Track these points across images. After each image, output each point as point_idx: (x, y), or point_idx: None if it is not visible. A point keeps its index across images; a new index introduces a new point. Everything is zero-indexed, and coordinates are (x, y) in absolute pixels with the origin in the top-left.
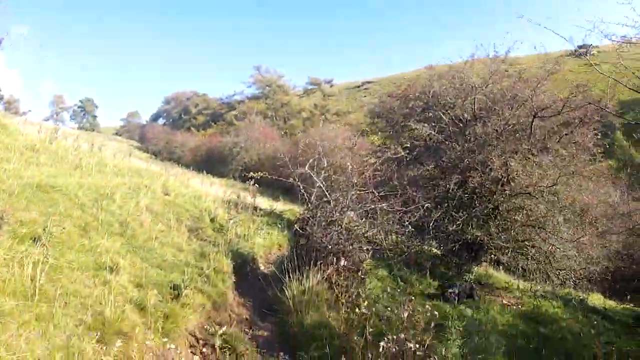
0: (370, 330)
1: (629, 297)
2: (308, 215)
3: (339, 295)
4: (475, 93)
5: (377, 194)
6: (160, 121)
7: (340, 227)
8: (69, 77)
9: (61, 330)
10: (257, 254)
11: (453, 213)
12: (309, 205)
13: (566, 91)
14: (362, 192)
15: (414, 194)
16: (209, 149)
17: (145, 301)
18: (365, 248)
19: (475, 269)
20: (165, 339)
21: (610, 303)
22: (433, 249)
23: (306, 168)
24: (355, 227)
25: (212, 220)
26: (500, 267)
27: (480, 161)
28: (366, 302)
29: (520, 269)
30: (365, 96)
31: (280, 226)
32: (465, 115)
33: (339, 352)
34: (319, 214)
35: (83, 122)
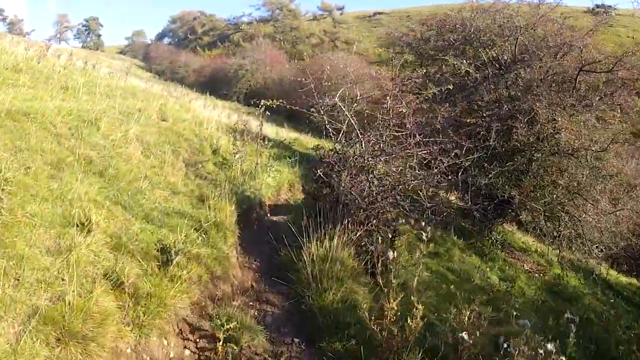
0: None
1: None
2: (334, 160)
3: (371, 265)
4: (518, 34)
5: (418, 138)
6: (166, 41)
7: (372, 176)
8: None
9: (8, 324)
10: (265, 196)
11: (485, 164)
12: (336, 146)
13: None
14: (400, 134)
15: (451, 139)
16: (214, 70)
17: (122, 275)
18: (402, 204)
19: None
20: (148, 331)
21: (622, 279)
22: (457, 201)
23: (336, 98)
24: (395, 177)
25: (214, 152)
26: (515, 224)
27: (525, 110)
28: (415, 284)
29: (541, 230)
30: (375, 27)
31: (290, 160)
32: (505, 57)
33: (371, 348)
34: (349, 159)
35: (87, 41)
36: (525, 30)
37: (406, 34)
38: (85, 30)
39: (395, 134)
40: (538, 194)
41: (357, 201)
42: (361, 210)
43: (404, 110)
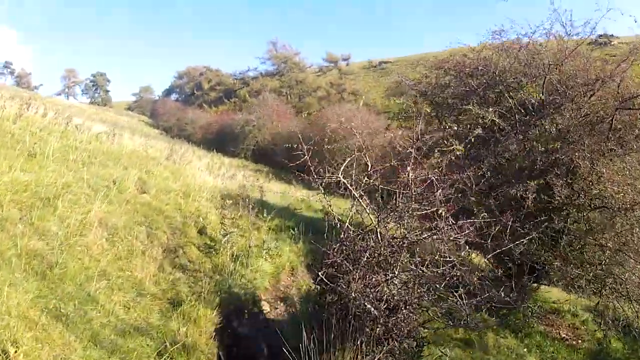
0: None
1: None
2: (340, 258)
3: None
4: (547, 72)
5: (449, 219)
6: (173, 96)
7: (393, 275)
8: (83, 52)
9: None
10: (261, 287)
11: (518, 228)
12: (342, 236)
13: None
14: (425, 211)
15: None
16: (221, 127)
17: None
18: (432, 308)
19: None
20: None
21: None
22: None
23: (340, 176)
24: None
25: (200, 232)
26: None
27: (563, 163)
28: None
29: (579, 289)
30: (382, 76)
31: (293, 232)
32: (532, 100)
33: None
34: (360, 255)
35: (95, 97)
36: (555, 68)
37: (418, 82)
38: (93, 85)
39: (419, 211)
40: (578, 257)
41: (372, 312)
42: (378, 325)
43: (432, 179)
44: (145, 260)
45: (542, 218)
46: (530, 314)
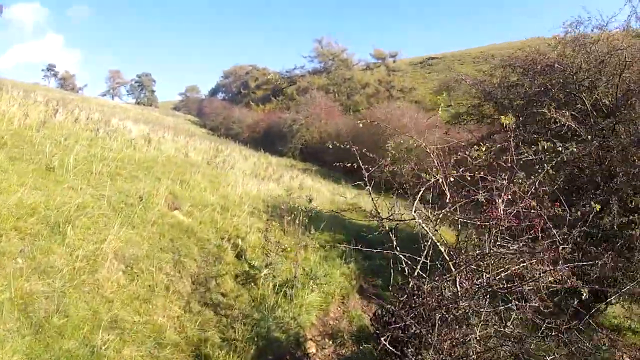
0: None
1: None
2: (408, 318)
3: None
4: (623, 70)
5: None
6: (220, 96)
7: (471, 333)
8: (129, 53)
9: None
10: (307, 325)
11: (592, 248)
12: (410, 287)
13: None
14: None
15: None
16: (268, 125)
17: None
18: None
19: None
20: None
21: None
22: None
23: (414, 213)
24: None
25: (238, 256)
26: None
27: None
28: None
29: None
30: (429, 72)
31: (344, 249)
32: (606, 101)
33: None
34: (431, 306)
35: (141, 97)
36: (631, 65)
37: (482, 80)
38: (139, 86)
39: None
40: None
41: None
42: None
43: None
44: (168, 298)
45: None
46: (601, 346)
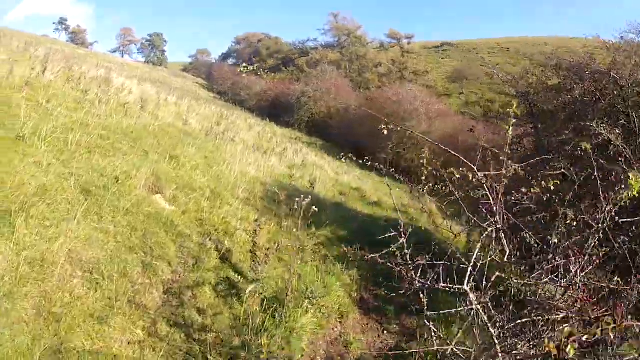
0: None
1: None
2: None
3: None
4: None
5: None
6: (230, 61)
7: None
8: (143, 12)
9: None
10: (296, 354)
11: None
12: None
13: None
14: None
15: None
16: (276, 95)
17: None
18: None
19: None
20: None
21: None
22: None
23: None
24: None
25: (223, 257)
26: None
27: None
28: None
29: None
30: (443, 58)
31: (346, 248)
32: None
33: None
34: None
35: (150, 56)
36: None
37: (519, 77)
38: (149, 45)
39: None
40: None
41: None
42: None
43: None
44: (131, 316)
45: None
46: None
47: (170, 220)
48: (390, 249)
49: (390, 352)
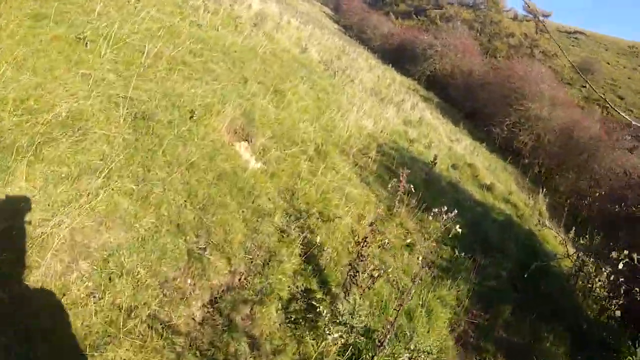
0: None
1: None
2: None
3: None
4: None
5: None
6: None
7: None
8: None
9: None
10: None
11: None
12: None
13: None
14: None
15: None
16: (402, 41)
17: None
18: None
19: None
20: None
21: None
22: None
23: None
24: None
25: (308, 257)
26: None
27: None
28: None
29: None
30: (573, 45)
31: (455, 252)
32: None
33: None
34: None
35: None
36: None
37: None
38: None
39: None
40: None
41: None
42: None
43: None
44: (144, 346)
45: None
46: None
47: (251, 186)
48: None
49: None
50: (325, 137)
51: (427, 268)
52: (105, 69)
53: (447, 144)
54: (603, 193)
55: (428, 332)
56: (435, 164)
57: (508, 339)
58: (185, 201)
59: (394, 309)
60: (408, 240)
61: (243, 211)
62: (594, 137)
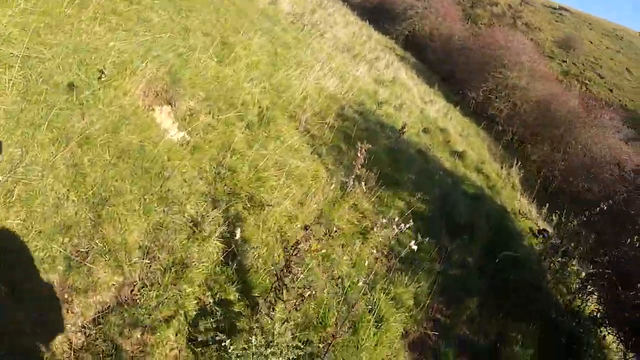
0: None
1: None
2: None
3: None
4: None
5: None
6: None
7: None
8: None
9: None
10: None
11: None
12: None
13: None
14: None
15: None
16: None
17: None
18: None
19: None
20: None
21: None
22: None
23: None
24: None
25: (226, 258)
26: None
27: None
28: None
29: None
30: (557, 21)
31: (419, 237)
32: None
33: None
34: None
35: None
36: None
37: None
38: None
39: None
40: None
41: None
42: None
43: None
44: None
45: None
46: None
47: (161, 164)
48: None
49: None
50: (273, 99)
51: (381, 260)
52: (13, 22)
53: (419, 105)
54: (576, 167)
55: (376, 345)
56: (403, 132)
57: (472, 340)
58: (68, 190)
59: (335, 321)
60: (363, 225)
61: (145, 199)
62: (571, 112)
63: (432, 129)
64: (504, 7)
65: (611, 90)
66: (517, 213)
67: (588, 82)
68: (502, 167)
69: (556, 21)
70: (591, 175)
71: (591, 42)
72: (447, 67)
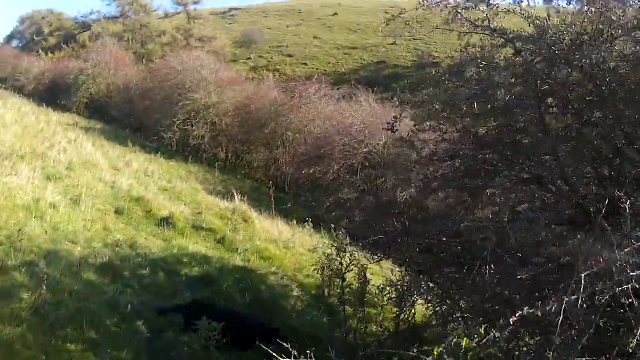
0: None
1: None
2: None
3: None
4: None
5: None
6: (15, 43)
7: None
8: None
9: None
10: None
11: None
12: None
13: None
14: None
15: None
16: (54, 76)
17: None
18: None
19: None
20: None
21: None
22: None
23: None
24: None
25: None
26: None
27: None
28: None
29: None
30: (230, 24)
31: None
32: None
33: None
34: None
35: None
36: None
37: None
38: None
39: None
40: None
41: None
42: None
43: None
44: None
45: None
46: None
47: None
48: None
49: None
50: None
51: None
52: None
53: (109, 180)
54: (304, 154)
55: None
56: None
57: None
58: None
59: None
60: None
61: None
62: (274, 104)
63: (125, 207)
64: (173, 32)
65: (305, 64)
66: (272, 257)
67: (279, 67)
68: (226, 198)
69: (229, 24)
70: (321, 153)
71: (270, 29)
72: (134, 118)
